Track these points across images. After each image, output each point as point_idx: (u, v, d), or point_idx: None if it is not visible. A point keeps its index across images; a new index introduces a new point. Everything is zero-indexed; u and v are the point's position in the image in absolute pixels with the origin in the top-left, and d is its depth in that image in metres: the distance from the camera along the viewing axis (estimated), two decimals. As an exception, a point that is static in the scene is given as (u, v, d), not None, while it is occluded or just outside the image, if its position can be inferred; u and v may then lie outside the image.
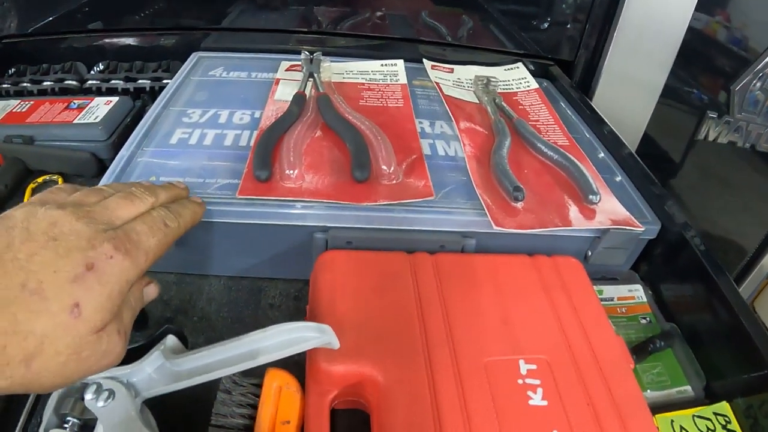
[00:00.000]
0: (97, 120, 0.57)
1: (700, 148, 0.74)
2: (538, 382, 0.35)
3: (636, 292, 0.48)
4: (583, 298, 0.41)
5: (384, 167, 0.45)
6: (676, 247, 0.46)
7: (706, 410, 0.40)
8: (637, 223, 0.45)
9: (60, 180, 0.57)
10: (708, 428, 0.39)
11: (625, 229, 0.44)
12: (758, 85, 0.73)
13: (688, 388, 0.42)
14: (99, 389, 0.31)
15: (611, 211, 0.46)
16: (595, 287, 0.46)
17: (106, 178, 0.45)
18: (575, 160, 0.48)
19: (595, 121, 0.60)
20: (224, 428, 0.33)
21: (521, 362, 0.36)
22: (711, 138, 0.74)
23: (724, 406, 0.41)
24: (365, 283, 0.40)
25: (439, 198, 0.44)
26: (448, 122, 0.56)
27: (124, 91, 0.61)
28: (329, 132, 0.50)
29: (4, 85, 0.62)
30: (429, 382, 0.34)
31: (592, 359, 0.37)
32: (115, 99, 0.59)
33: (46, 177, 0.57)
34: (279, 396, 0.34)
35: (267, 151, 0.46)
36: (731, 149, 0.77)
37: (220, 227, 0.43)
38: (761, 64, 0.72)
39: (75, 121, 0.58)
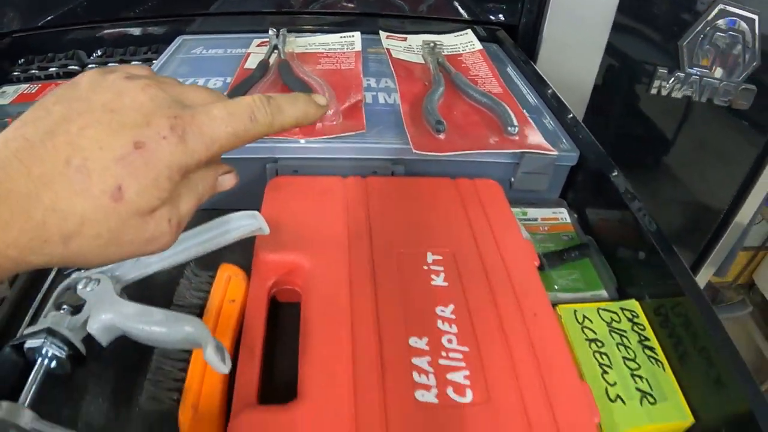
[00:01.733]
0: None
1: (654, 103, 0.80)
2: (441, 268, 0.42)
3: (560, 215, 0.55)
4: (496, 210, 0.48)
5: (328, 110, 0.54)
6: (593, 174, 0.53)
7: (613, 305, 0.46)
8: (550, 147, 0.52)
9: None
10: (612, 320, 0.45)
11: (540, 153, 0.51)
12: (707, 39, 0.79)
13: (603, 292, 0.48)
14: (89, 280, 0.39)
15: (529, 140, 0.53)
16: (519, 209, 0.54)
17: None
18: (499, 101, 0.56)
19: (531, 74, 0.67)
20: (184, 306, 0.42)
21: (429, 254, 0.43)
22: (664, 93, 0.80)
23: (632, 303, 0.47)
24: (304, 200, 0.47)
25: (372, 133, 0.52)
26: (392, 80, 0.63)
27: None
28: (286, 89, 0.59)
29: (15, 73, 0.71)
30: (347, 266, 0.42)
31: (495, 254, 0.44)
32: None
33: None
34: (228, 282, 0.42)
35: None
36: (688, 103, 0.82)
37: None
38: (710, 17, 0.78)
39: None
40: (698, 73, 0.78)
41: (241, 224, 0.41)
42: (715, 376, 0.37)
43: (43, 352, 0.36)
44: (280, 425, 0.32)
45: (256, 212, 0.41)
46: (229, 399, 0.35)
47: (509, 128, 0.52)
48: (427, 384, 0.35)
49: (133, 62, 0.73)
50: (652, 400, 0.39)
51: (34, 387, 0.36)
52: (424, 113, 0.53)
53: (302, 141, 0.50)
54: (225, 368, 0.33)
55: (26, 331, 0.37)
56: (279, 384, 0.39)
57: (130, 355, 0.39)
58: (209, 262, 0.43)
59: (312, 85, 0.57)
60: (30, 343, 0.36)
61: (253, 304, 0.40)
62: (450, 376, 0.35)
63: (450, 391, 0.34)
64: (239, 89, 0.57)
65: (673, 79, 0.78)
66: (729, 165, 0.93)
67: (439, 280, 0.41)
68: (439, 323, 0.38)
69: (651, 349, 0.43)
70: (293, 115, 0.31)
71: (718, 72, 0.80)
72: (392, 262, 0.42)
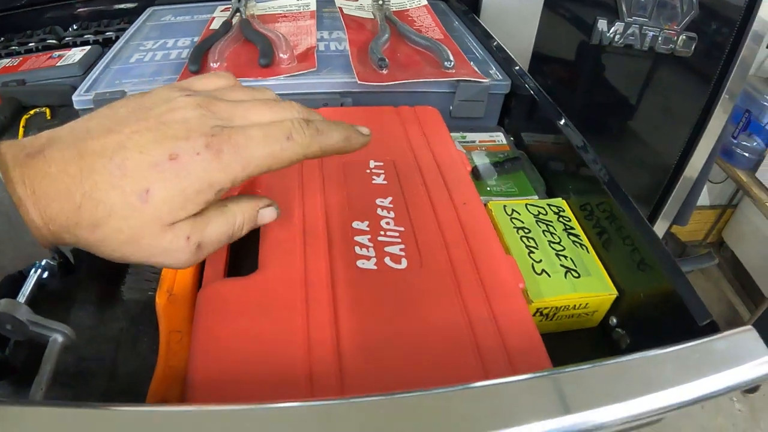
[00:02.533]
0: (75, 61, 0.74)
1: (597, 54, 0.87)
2: (382, 171, 0.49)
3: (497, 137, 0.61)
4: (433, 129, 0.54)
5: (281, 55, 0.60)
6: (524, 100, 0.59)
7: (541, 202, 0.52)
8: (482, 76, 0.58)
9: (48, 111, 0.73)
10: (539, 213, 0.51)
11: (473, 81, 0.58)
12: (643, -13, 0.85)
13: (534, 197, 0.55)
14: None
15: (464, 72, 0.59)
16: (458, 134, 0.60)
17: (79, 90, 0.60)
18: (438, 42, 0.63)
19: (470, 22, 0.74)
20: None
21: (371, 161, 0.50)
22: (606, 43, 0.86)
23: (559, 201, 0.53)
24: None
25: (323, 72, 0.58)
26: (344, 32, 0.69)
27: (95, 42, 0.78)
28: (248, 43, 0.65)
29: (-3, 50, 0.78)
30: (299, 171, 0.48)
31: (430, 160, 0.50)
32: (87, 47, 0.75)
33: (37, 110, 0.70)
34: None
35: (198, 54, 0.62)
36: (631, 53, 0.89)
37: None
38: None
39: (57, 65, 0.74)
40: (637, 22, 0.84)
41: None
42: (638, 260, 0.42)
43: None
44: (241, 291, 0.38)
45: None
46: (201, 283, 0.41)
47: (446, 63, 0.58)
48: (367, 255, 0.41)
49: (108, 33, 0.79)
50: (576, 274, 0.45)
51: (29, 290, 0.40)
52: (370, 54, 0.60)
53: (260, 80, 0.57)
54: None
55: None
56: (248, 269, 0.45)
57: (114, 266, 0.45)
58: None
59: (270, 37, 0.63)
60: None
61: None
62: (387, 249, 0.41)
63: (387, 260, 0.41)
64: (204, 45, 0.63)
65: (613, 29, 0.84)
66: (677, 114, 0.99)
67: (379, 180, 0.48)
68: (379, 210, 0.45)
69: (576, 236, 0.49)
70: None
71: (658, 21, 0.87)
72: (338, 168, 0.48)
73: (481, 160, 0.56)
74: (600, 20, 0.85)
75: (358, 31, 0.69)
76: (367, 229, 0.43)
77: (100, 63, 0.65)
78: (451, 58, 0.59)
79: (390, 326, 0.36)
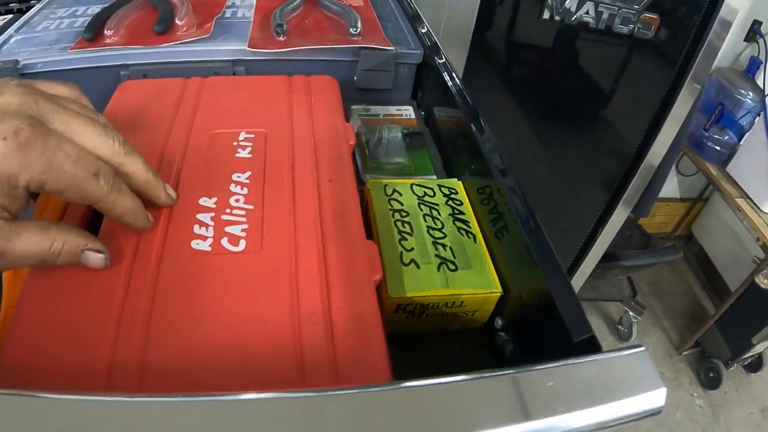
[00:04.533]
0: (-7, 31, 0.69)
1: (548, 30, 0.78)
2: (250, 144, 0.42)
3: (406, 112, 0.54)
4: (322, 100, 0.47)
5: (178, 22, 0.53)
6: (436, 74, 0.52)
7: (430, 182, 0.45)
8: (388, 43, 0.51)
9: None
10: (426, 194, 0.45)
11: (377, 48, 0.51)
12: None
13: (433, 176, 0.48)
14: None
15: (369, 40, 0.52)
16: (361, 106, 0.54)
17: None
18: (350, 8, 0.55)
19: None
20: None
21: (242, 133, 0.43)
22: (558, 17, 0.78)
23: (453, 181, 0.46)
24: (144, 100, 0.47)
25: (218, 39, 0.52)
26: None
27: (18, 11, 0.73)
28: (153, 9, 0.59)
29: None
30: (161, 146, 0.42)
31: (307, 134, 0.44)
32: (9, 16, 0.70)
33: None
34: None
35: (97, 21, 0.56)
36: (586, 28, 0.80)
37: (55, 76, 0.52)
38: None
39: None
40: None
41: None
42: (524, 255, 0.36)
43: None
44: (70, 268, 0.32)
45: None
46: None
47: (351, 29, 0.52)
48: (204, 235, 0.35)
49: (31, 1, 0.73)
50: (452, 266, 0.39)
51: None
52: (271, 20, 0.53)
53: (151, 47, 0.51)
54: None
55: None
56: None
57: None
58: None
59: (174, 2, 0.57)
60: None
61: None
62: (228, 229, 0.36)
63: (224, 241, 0.35)
64: (105, 12, 0.57)
65: (567, 3, 0.76)
66: (639, 98, 0.91)
67: (243, 153, 0.41)
68: (232, 186, 0.39)
69: (464, 222, 0.43)
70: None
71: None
72: (205, 141, 0.42)
73: (376, 135, 0.49)
74: None
75: (272, -1, 0.62)
76: (213, 206, 0.37)
77: (8, 30, 0.59)
78: (359, 24, 0.52)
79: (206, 317, 0.31)
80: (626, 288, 1.58)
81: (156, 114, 0.45)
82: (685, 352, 1.56)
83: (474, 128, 0.44)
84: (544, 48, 0.84)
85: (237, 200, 0.38)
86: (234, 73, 0.51)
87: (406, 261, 0.39)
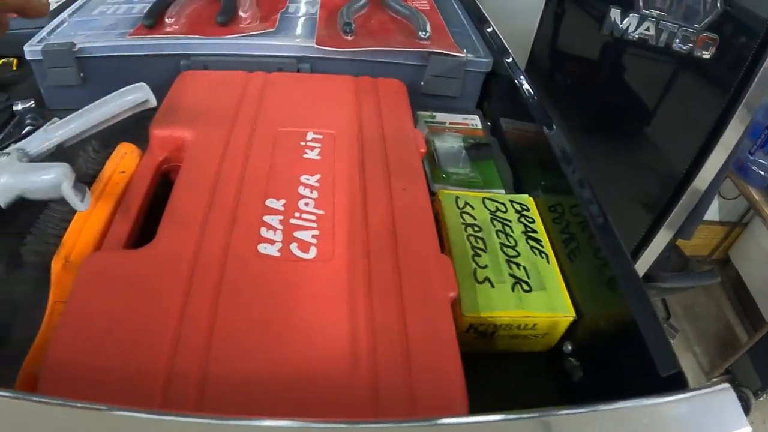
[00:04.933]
0: (48, 14, 0.68)
1: (607, 45, 0.75)
2: (318, 145, 0.40)
3: (472, 121, 0.51)
4: (391, 104, 0.45)
5: (242, 14, 0.51)
6: (506, 83, 0.50)
7: (502, 197, 0.43)
8: (458, 49, 0.48)
9: (15, 62, 0.66)
10: (498, 209, 0.42)
11: (447, 54, 0.48)
12: (662, -23, 0.73)
13: (501, 191, 0.45)
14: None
15: (439, 44, 0.50)
16: (428, 112, 0.51)
17: (32, 40, 0.54)
18: (418, 11, 0.53)
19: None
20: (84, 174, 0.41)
21: (309, 133, 0.41)
22: (618, 34, 0.75)
23: (524, 197, 0.43)
24: (206, 91, 0.45)
25: (283, 33, 0.50)
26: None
27: None
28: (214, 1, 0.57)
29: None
30: (225, 140, 0.40)
31: (378, 138, 0.41)
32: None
33: (4, 60, 0.63)
34: (123, 157, 0.41)
35: (157, 9, 0.54)
36: (644, 47, 0.77)
37: (113, 61, 0.51)
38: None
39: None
40: (654, 15, 0.72)
41: (128, 96, 0.39)
42: (605, 279, 0.33)
43: None
44: (125, 265, 0.31)
45: (143, 84, 0.39)
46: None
47: (420, 33, 0.49)
48: (272, 239, 0.33)
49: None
50: (526, 287, 0.36)
51: None
52: (338, 18, 0.51)
53: (213, 38, 0.48)
54: (82, 206, 0.33)
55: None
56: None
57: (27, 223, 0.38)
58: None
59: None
60: None
61: (139, 172, 0.39)
62: (297, 234, 0.33)
63: (294, 246, 0.32)
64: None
65: (627, 20, 0.73)
66: (690, 121, 0.87)
67: (312, 154, 0.39)
68: (301, 189, 0.36)
69: (537, 241, 0.40)
70: None
71: (677, 17, 0.74)
72: (270, 138, 0.40)
73: (445, 144, 0.46)
74: (613, 9, 0.73)
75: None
76: (282, 208, 0.35)
77: (63, 13, 0.57)
78: (428, 28, 0.49)
79: (274, 328, 0.28)
80: (660, 310, 1.52)
81: (218, 107, 0.43)
82: (715, 379, 1.51)
83: (553, 144, 0.41)
84: (596, 61, 0.81)
85: (306, 204, 0.35)
86: (298, 70, 0.48)
87: (480, 278, 0.36)
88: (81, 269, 0.30)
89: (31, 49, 0.51)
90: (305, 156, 0.39)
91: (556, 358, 0.37)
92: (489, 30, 0.53)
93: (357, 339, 0.28)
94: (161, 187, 0.40)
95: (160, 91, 0.50)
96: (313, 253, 0.32)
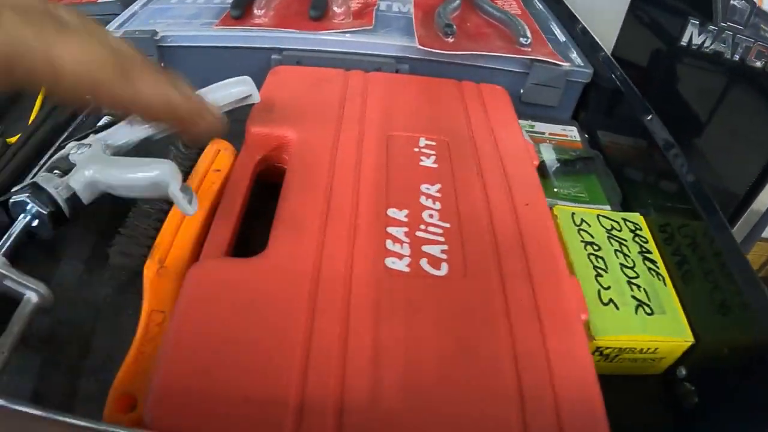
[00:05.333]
0: (115, -1, 0.66)
1: (683, 55, 0.73)
2: (433, 152, 0.38)
3: (570, 132, 0.49)
4: (498, 111, 0.43)
5: (336, 9, 0.49)
6: (607, 92, 0.47)
7: (615, 215, 0.40)
8: (562, 58, 0.46)
9: None
10: (613, 227, 0.40)
11: (550, 63, 0.46)
12: (741, -8, 0.71)
13: (607, 207, 0.43)
14: (81, 145, 0.37)
15: (540, 52, 0.47)
16: (527, 122, 0.49)
17: (111, 25, 0.52)
18: (514, 15, 0.51)
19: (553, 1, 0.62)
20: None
21: (421, 138, 0.39)
22: (694, 46, 0.72)
23: (636, 216, 0.41)
24: (303, 87, 0.43)
25: (380, 32, 0.48)
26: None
27: None
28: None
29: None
30: (334, 142, 0.38)
31: (491, 147, 0.39)
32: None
33: None
34: (216, 155, 0.39)
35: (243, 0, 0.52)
36: (718, 60, 0.75)
37: (198, 51, 0.49)
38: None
39: (98, 1, 0.67)
40: (732, 29, 0.69)
41: (231, 89, 0.37)
42: (720, 301, 0.32)
43: (27, 207, 0.34)
44: (238, 275, 0.28)
45: (247, 77, 0.37)
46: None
47: (521, 39, 0.47)
48: (400, 253, 0.31)
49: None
50: (648, 310, 0.34)
51: (11, 239, 0.34)
52: (436, 18, 0.49)
53: (307, 33, 0.46)
54: (191, 209, 0.30)
55: (13, 190, 0.35)
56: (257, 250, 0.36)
57: (109, 221, 0.36)
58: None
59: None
60: (15, 197, 0.34)
61: (237, 171, 0.37)
62: (426, 248, 0.31)
63: (424, 262, 0.30)
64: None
65: (705, 32, 0.70)
66: (754, 140, 0.84)
67: (428, 162, 0.37)
68: (423, 199, 0.34)
69: (653, 261, 0.38)
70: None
71: (755, 31, 0.72)
72: (382, 142, 0.38)
73: (550, 156, 0.44)
74: (692, 20, 0.71)
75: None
76: (406, 219, 0.32)
77: (138, 1, 0.56)
78: (528, 34, 0.47)
79: (414, 350, 0.26)
80: None
81: (319, 105, 0.41)
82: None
83: (674, 163, 0.39)
84: (672, 74, 0.79)
85: (431, 215, 0.33)
86: (396, 71, 0.46)
87: (605, 300, 0.34)
88: (188, 279, 0.28)
89: (110, 35, 0.49)
90: (422, 163, 0.36)
91: (667, 382, 0.35)
92: (587, 38, 0.51)
93: (500, 362, 0.26)
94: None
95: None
96: (444, 269, 0.30)
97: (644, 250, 0.38)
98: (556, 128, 0.48)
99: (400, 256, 0.30)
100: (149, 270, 0.31)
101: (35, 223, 0.34)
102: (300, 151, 0.37)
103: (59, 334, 0.33)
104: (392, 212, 0.33)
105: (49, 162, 0.38)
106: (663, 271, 0.37)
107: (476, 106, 0.42)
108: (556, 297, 0.30)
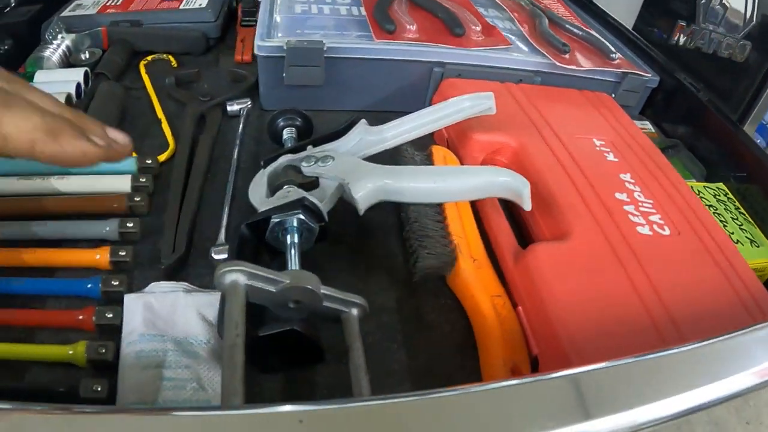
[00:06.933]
0: (203, 6, 0.66)
1: (674, 52, 0.93)
2: (608, 149, 0.50)
3: (646, 126, 0.65)
4: (619, 115, 0.57)
5: (473, 27, 0.59)
6: (672, 93, 0.63)
7: (710, 185, 0.56)
8: (646, 70, 0.62)
9: (171, 59, 0.63)
10: (716, 194, 0.56)
11: (638, 74, 0.61)
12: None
13: (693, 180, 0.59)
14: (315, 159, 0.41)
15: (627, 64, 0.62)
16: (614, 119, 0.63)
17: (259, 34, 0.54)
18: (595, 34, 0.65)
19: (597, 15, 0.77)
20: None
21: (594, 139, 0.51)
22: (681, 43, 0.92)
23: (721, 185, 0.58)
24: None
25: (515, 48, 0.59)
26: (498, 10, 0.69)
27: None
28: (417, 8, 0.62)
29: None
30: (547, 146, 0.48)
31: (636, 144, 0.53)
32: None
33: (155, 56, 0.63)
34: (445, 160, 0.47)
35: (385, 12, 0.58)
36: (697, 54, 0.95)
37: (361, 63, 0.54)
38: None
39: (181, 7, 0.66)
40: (711, 28, 0.88)
41: (476, 102, 0.45)
42: None
43: (295, 224, 0.37)
44: (565, 252, 0.39)
45: (490, 93, 0.45)
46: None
47: (611, 54, 0.61)
48: (641, 222, 0.43)
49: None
50: (757, 244, 0.50)
51: (297, 259, 0.35)
52: (547, 37, 0.60)
53: (463, 49, 0.55)
54: (528, 204, 0.41)
55: (263, 209, 0.37)
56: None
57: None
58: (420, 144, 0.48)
59: (447, 7, 0.61)
60: (281, 217, 0.36)
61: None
62: (651, 218, 0.44)
63: (656, 227, 0.43)
64: (382, 5, 0.59)
65: (690, 31, 0.89)
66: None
67: (611, 157, 0.49)
68: (627, 184, 0.46)
69: (743, 214, 0.54)
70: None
71: (723, 28, 0.92)
72: (572, 144, 0.49)
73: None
74: (680, 23, 0.89)
75: (519, 12, 0.69)
76: (628, 200, 0.45)
77: (263, 11, 0.58)
78: (614, 49, 0.61)
79: (691, 287, 0.39)
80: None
81: (506, 114, 0.51)
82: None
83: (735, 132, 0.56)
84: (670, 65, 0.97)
85: (639, 195, 0.46)
86: (532, 82, 0.57)
87: (734, 241, 0.49)
88: (533, 261, 0.38)
89: (264, 45, 0.53)
90: (608, 159, 0.49)
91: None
92: (647, 49, 0.67)
93: (717, 275, 0.40)
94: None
95: (408, 94, 0.56)
96: (667, 230, 0.43)
97: (734, 206, 0.54)
98: (638, 124, 0.63)
99: (642, 225, 0.43)
100: (467, 265, 0.39)
101: (298, 239, 0.37)
102: (527, 154, 0.47)
103: (380, 342, 0.37)
104: (618, 195, 0.45)
105: (272, 175, 0.41)
106: (750, 219, 0.54)
107: (605, 111, 0.56)
108: (726, 244, 0.44)
